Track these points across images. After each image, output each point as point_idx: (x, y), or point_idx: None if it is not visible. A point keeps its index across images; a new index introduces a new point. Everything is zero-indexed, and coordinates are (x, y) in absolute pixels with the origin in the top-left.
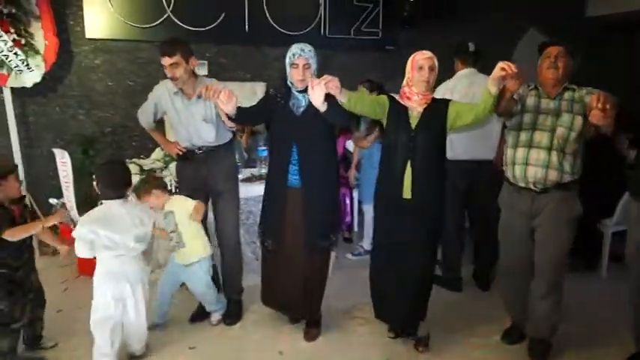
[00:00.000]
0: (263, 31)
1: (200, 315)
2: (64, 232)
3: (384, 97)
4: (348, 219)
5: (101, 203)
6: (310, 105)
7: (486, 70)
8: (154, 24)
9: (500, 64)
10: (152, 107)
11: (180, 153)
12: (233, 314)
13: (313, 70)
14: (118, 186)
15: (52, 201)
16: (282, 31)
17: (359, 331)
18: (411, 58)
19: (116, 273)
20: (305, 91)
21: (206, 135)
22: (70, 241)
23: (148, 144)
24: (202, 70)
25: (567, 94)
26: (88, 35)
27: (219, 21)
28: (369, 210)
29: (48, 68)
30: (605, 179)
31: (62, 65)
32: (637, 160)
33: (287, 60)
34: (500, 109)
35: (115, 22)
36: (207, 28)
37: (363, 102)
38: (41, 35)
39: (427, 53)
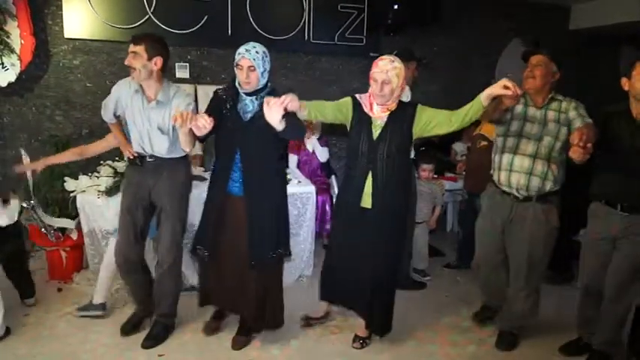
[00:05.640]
0: (246, 35)
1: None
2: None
3: (348, 101)
4: (328, 226)
5: None
6: (259, 111)
7: None
8: (135, 25)
9: (506, 83)
10: (113, 102)
11: (131, 157)
12: (151, 337)
13: (261, 74)
14: None
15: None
16: (266, 35)
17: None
18: None
19: None
20: (253, 94)
21: (158, 146)
22: None
23: None
24: (184, 73)
25: (554, 105)
26: (66, 35)
27: (201, 24)
28: None
29: (23, 67)
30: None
31: (39, 65)
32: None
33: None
34: (493, 118)
35: (95, 22)
36: (189, 30)
37: (323, 111)
38: (17, 34)
39: (385, 66)
